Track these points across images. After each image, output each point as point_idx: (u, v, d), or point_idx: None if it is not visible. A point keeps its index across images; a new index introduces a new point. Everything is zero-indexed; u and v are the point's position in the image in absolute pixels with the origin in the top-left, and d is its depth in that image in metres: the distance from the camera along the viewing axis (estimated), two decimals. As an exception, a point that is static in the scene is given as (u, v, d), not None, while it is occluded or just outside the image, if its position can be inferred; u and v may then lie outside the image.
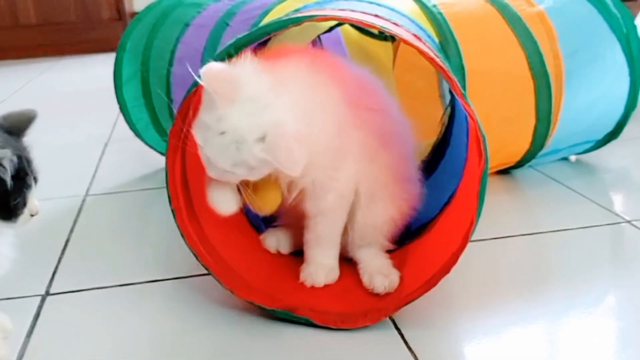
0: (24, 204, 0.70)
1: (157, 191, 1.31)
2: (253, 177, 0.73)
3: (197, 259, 0.82)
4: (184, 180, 0.82)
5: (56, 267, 0.98)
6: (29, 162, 0.71)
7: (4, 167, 0.67)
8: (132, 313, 0.85)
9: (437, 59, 0.70)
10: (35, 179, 0.72)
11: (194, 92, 0.75)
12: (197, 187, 0.83)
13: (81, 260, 1.01)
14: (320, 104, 0.74)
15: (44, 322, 0.84)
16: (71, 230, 1.12)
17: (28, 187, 0.70)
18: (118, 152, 1.60)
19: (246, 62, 0.70)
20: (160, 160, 1.45)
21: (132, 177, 1.40)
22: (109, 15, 3.42)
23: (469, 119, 0.71)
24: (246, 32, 0.73)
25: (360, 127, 0.80)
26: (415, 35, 0.75)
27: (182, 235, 0.81)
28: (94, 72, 2.91)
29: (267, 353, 0.75)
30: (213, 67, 0.68)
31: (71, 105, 2.24)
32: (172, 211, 0.81)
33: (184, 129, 0.74)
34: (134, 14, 3.75)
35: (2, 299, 0.83)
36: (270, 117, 0.68)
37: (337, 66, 0.82)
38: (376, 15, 0.74)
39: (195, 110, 0.72)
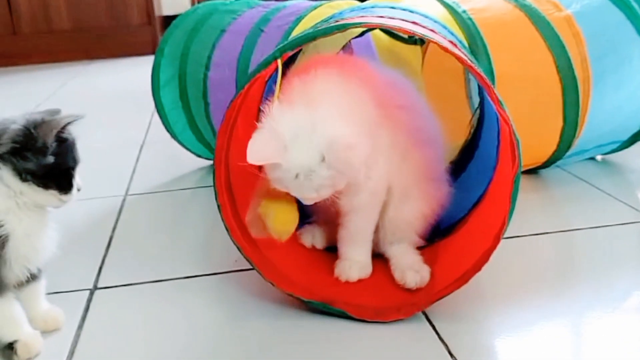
0: (74, 180, 0.78)
1: (192, 191, 1.36)
2: (339, 187, 0.78)
3: (240, 252, 0.86)
4: (228, 178, 0.86)
5: (102, 263, 1.03)
6: (75, 146, 0.78)
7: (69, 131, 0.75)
8: (177, 306, 0.90)
9: (475, 66, 0.73)
10: (79, 159, 0.79)
11: (240, 96, 0.79)
12: (239, 185, 0.87)
13: (125, 256, 1.06)
14: (351, 107, 0.78)
15: (94, 314, 0.88)
16: (114, 228, 1.17)
17: (77, 162, 0.78)
18: (154, 154, 1.65)
19: (273, 108, 0.76)
20: (194, 162, 1.50)
21: (168, 178, 1.45)
22: (139, 20, 3.49)
23: (503, 123, 0.74)
24: (293, 38, 0.77)
25: (391, 126, 0.83)
26: (452, 42, 0.78)
27: (227, 230, 0.85)
28: (125, 75, 2.97)
29: (306, 344, 0.79)
30: (252, 150, 0.73)
31: (104, 108, 2.30)
32: (218, 207, 0.85)
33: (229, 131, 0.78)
34: (163, 19, 3.84)
35: (53, 293, 0.87)
36: (318, 138, 0.73)
37: (365, 69, 0.85)
38: (414, 23, 0.78)
39: (245, 109, 0.76)
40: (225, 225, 0.86)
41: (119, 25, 3.48)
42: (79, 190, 0.79)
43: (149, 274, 0.99)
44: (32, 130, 0.73)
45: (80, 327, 0.85)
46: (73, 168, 0.77)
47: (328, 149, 0.73)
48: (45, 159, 0.73)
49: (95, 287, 0.96)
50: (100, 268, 1.02)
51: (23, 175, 0.73)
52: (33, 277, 0.80)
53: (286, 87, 0.78)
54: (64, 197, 0.76)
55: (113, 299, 0.93)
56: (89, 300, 0.92)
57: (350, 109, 0.77)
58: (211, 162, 1.50)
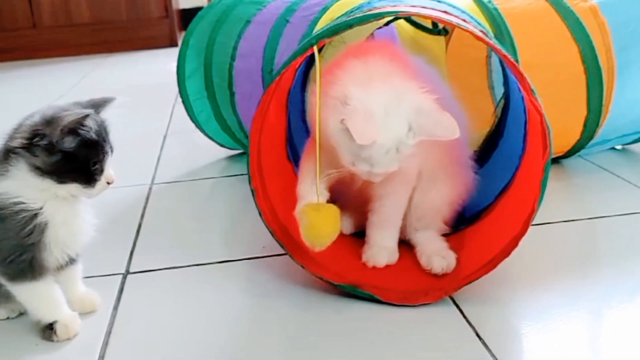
0: (101, 171, 0.78)
1: (216, 180, 1.38)
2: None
3: (272, 236, 0.88)
4: (260, 163, 0.88)
5: (133, 249, 1.06)
6: (106, 131, 0.79)
7: (87, 126, 0.74)
8: (207, 291, 0.92)
9: (509, 55, 0.74)
10: (111, 149, 0.79)
11: (275, 82, 0.81)
12: (270, 170, 0.89)
13: (154, 242, 1.09)
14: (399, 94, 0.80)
15: (127, 298, 0.91)
16: (142, 216, 1.20)
17: (105, 154, 0.78)
18: (177, 144, 1.67)
19: (351, 90, 0.76)
20: (218, 151, 1.52)
21: (192, 168, 1.47)
22: (157, 14, 3.52)
23: (534, 111, 0.75)
24: (330, 26, 0.78)
25: None
26: (482, 32, 0.79)
27: (259, 214, 0.87)
28: (143, 68, 3.00)
29: (335, 326, 0.81)
30: (360, 133, 0.73)
31: (125, 99, 2.31)
32: (252, 191, 0.87)
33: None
34: (180, 12, 3.86)
35: (88, 277, 0.90)
36: (405, 109, 0.75)
37: (404, 58, 0.87)
38: (445, 12, 0.79)
39: (277, 96, 0.78)
40: (257, 209, 0.87)
41: (138, 18, 3.51)
42: (109, 183, 0.79)
43: (177, 259, 1.01)
44: (40, 128, 0.74)
45: (115, 309, 0.88)
46: (95, 162, 0.77)
47: (416, 116, 0.75)
48: (52, 156, 0.74)
49: (128, 272, 0.98)
50: (132, 254, 1.04)
51: (36, 171, 0.74)
52: (71, 261, 0.83)
53: (327, 76, 0.79)
54: (87, 190, 0.77)
55: (145, 283, 0.95)
56: (122, 284, 0.94)
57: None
58: (234, 151, 1.52)
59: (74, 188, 0.76)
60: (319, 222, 0.81)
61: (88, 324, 0.83)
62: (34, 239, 0.75)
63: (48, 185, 0.75)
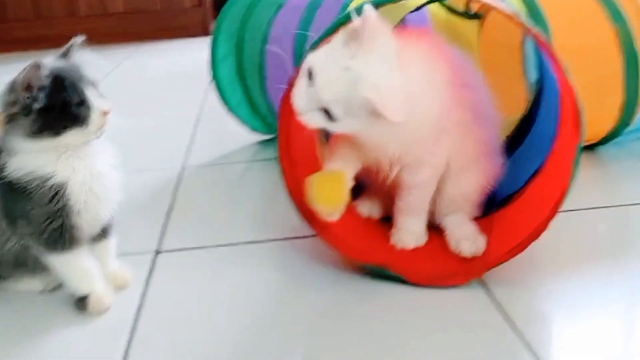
0: (89, 107, 0.77)
1: (247, 164, 1.40)
2: (338, 127, 0.76)
3: (300, 215, 0.88)
4: (289, 144, 0.89)
5: (164, 228, 1.08)
6: (76, 70, 0.78)
7: (42, 75, 0.73)
8: (236, 270, 0.93)
9: (542, 36, 0.74)
10: (91, 83, 0.78)
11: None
12: (299, 152, 0.90)
13: (185, 222, 1.10)
14: (432, 85, 0.79)
15: (158, 275, 0.92)
16: (174, 197, 1.21)
17: (81, 91, 0.76)
18: (209, 129, 1.69)
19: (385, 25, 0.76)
20: (248, 136, 1.53)
21: (223, 152, 1.49)
22: (190, 3, 3.55)
23: (566, 91, 0.74)
24: (356, 6, 0.78)
25: (457, 104, 0.84)
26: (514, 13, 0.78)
27: (289, 195, 0.88)
28: (176, 56, 3.03)
29: (363, 306, 0.81)
30: (373, 13, 0.72)
31: (158, 87, 2.36)
32: (281, 172, 0.87)
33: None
34: (213, 1, 3.88)
35: (120, 254, 0.91)
36: (392, 77, 0.74)
37: (441, 47, 0.86)
38: (476, -7, 0.78)
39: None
40: (287, 190, 0.88)
41: (171, 7, 3.54)
42: (106, 112, 0.77)
43: (208, 239, 1.02)
44: (7, 98, 0.75)
45: (146, 285, 0.89)
46: (78, 102, 0.76)
47: (387, 84, 0.73)
48: (32, 115, 0.74)
49: (159, 250, 1.00)
50: (163, 233, 1.06)
51: (30, 136, 0.75)
52: (104, 234, 0.85)
53: None
54: (85, 130, 0.76)
55: (175, 262, 0.97)
56: (153, 262, 0.96)
57: (431, 86, 0.79)
58: (265, 136, 1.53)
59: (73, 135, 0.76)
60: (325, 189, 0.81)
61: (120, 299, 0.85)
62: (59, 205, 0.77)
63: (49, 145, 0.76)
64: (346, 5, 1.11)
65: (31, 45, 3.45)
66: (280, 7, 1.26)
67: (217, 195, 1.26)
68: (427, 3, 1.06)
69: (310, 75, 0.75)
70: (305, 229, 0.91)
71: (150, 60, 2.99)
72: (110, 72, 2.69)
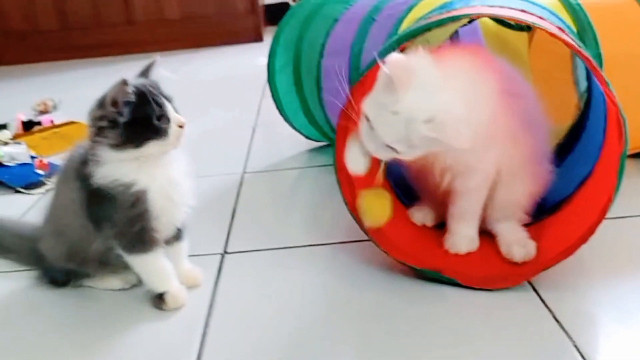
0: (168, 120, 0.85)
1: (303, 170, 1.46)
2: (408, 156, 0.83)
3: (357, 224, 0.94)
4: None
5: (229, 231, 1.15)
6: (157, 86, 0.86)
7: (128, 92, 0.81)
8: (295, 272, 0.99)
9: (583, 50, 0.78)
10: (168, 99, 0.86)
11: (360, 82, 0.87)
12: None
13: (248, 226, 1.17)
14: (480, 94, 0.84)
15: (226, 275, 1.00)
16: (236, 201, 1.29)
17: (162, 104, 0.84)
18: (266, 135, 1.77)
19: (419, 54, 0.81)
20: (304, 143, 1.60)
21: (281, 158, 1.56)
22: (243, 9, 3.64)
23: (610, 103, 0.78)
24: (408, 30, 0.83)
25: (506, 113, 0.89)
26: (559, 28, 0.82)
27: (345, 203, 0.94)
28: (231, 62, 3.13)
29: (417, 309, 0.86)
30: (396, 57, 0.78)
31: (215, 93, 2.45)
32: (338, 182, 0.94)
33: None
34: (265, 7, 3.97)
35: (190, 255, 0.99)
36: (440, 102, 0.79)
37: (488, 58, 0.91)
38: (523, 11, 0.83)
39: (363, 94, 0.84)
40: (343, 199, 0.94)
41: (225, 13, 3.64)
42: (181, 126, 0.85)
43: (271, 242, 1.09)
44: (96, 113, 0.83)
45: (215, 285, 0.97)
46: (158, 116, 0.83)
47: (442, 114, 0.78)
48: (118, 129, 0.82)
49: (225, 252, 1.07)
50: (228, 235, 1.13)
51: (115, 147, 0.83)
52: (178, 237, 0.93)
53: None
54: (164, 141, 0.84)
55: (240, 263, 1.04)
56: (221, 263, 1.03)
57: (479, 95, 0.84)
58: (320, 143, 1.59)
59: (153, 146, 0.84)
60: (373, 204, 0.91)
61: (192, 297, 0.92)
62: (139, 209, 0.85)
63: (132, 155, 0.84)
64: (401, 20, 1.15)
65: (91, 52, 3.61)
66: (336, 20, 1.32)
67: (275, 200, 1.33)
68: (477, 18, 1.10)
69: (367, 120, 0.82)
70: (358, 233, 0.96)
71: (206, 66, 3.09)
72: (168, 79, 2.79)
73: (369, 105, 0.82)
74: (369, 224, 0.92)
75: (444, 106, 0.79)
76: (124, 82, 0.81)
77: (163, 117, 0.84)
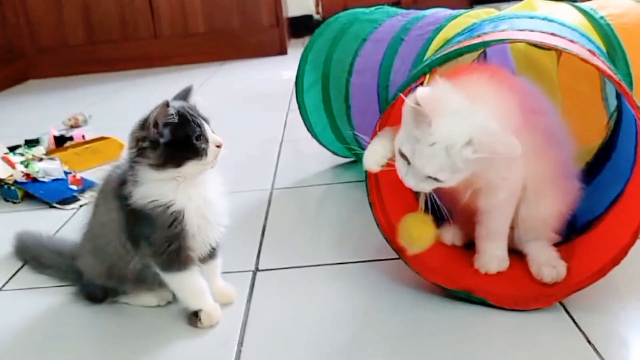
0: (206, 140, 0.87)
1: (330, 186, 1.48)
2: (450, 183, 0.84)
3: (389, 244, 0.96)
4: (377, 177, 0.96)
5: (259, 248, 1.17)
6: (194, 109, 0.88)
7: (170, 113, 0.84)
8: (325, 289, 1.01)
9: (614, 75, 0.78)
10: (205, 120, 0.88)
11: (393, 104, 0.88)
12: (386, 184, 0.97)
13: (278, 243, 1.19)
14: (502, 112, 0.85)
15: (258, 293, 1.01)
16: (266, 218, 1.31)
17: (200, 125, 0.87)
18: (293, 150, 1.79)
19: (440, 83, 0.83)
20: (331, 159, 1.62)
21: (307, 174, 1.58)
22: (267, 22, 3.69)
23: (640, 126, 0.79)
24: (440, 54, 0.85)
25: (528, 129, 0.89)
26: (590, 51, 0.83)
27: (377, 224, 0.96)
28: (256, 76, 3.16)
29: (448, 329, 0.87)
30: (421, 91, 0.79)
31: (241, 107, 2.48)
32: (370, 204, 0.95)
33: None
34: (289, 20, 4.02)
35: (223, 272, 1.00)
36: (474, 122, 0.80)
37: (507, 77, 0.92)
38: (553, 34, 0.84)
39: (391, 121, 0.86)
40: (375, 220, 0.96)
41: (250, 27, 3.69)
42: (218, 146, 0.88)
43: (302, 259, 1.11)
44: (138, 133, 0.86)
45: (248, 302, 0.99)
46: (195, 136, 0.86)
47: (480, 133, 0.79)
48: (159, 149, 0.85)
49: (257, 269, 1.09)
50: (259, 253, 1.15)
51: (156, 167, 0.85)
52: (212, 255, 0.95)
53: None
54: (203, 161, 0.87)
55: (272, 280, 1.06)
56: (253, 280, 1.05)
57: (501, 113, 0.84)
58: (345, 159, 1.61)
59: (192, 166, 0.86)
60: (415, 230, 0.91)
61: (226, 314, 0.94)
62: (176, 229, 0.87)
63: (171, 175, 0.86)
64: (430, 40, 1.17)
65: (118, 65, 3.69)
66: (364, 40, 1.34)
67: (304, 216, 1.35)
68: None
69: (403, 156, 0.83)
70: (387, 251, 0.97)
71: (232, 80, 3.13)
72: (196, 90, 2.83)
73: (402, 142, 0.83)
74: (411, 250, 0.92)
75: (480, 124, 0.80)
76: (166, 104, 0.83)
77: (202, 137, 0.87)
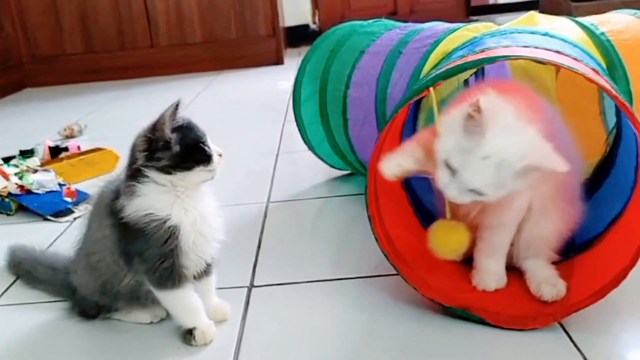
0: (209, 148, 0.87)
1: (327, 199, 1.47)
2: (493, 198, 0.83)
3: (387, 259, 0.95)
4: (376, 192, 0.95)
5: (255, 263, 1.16)
6: (191, 124, 0.88)
7: (179, 116, 0.85)
8: (322, 306, 1.00)
9: (619, 96, 0.78)
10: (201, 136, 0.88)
11: (393, 119, 0.88)
12: (385, 198, 0.96)
13: (274, 258, 1.18)
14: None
15: (253, 309, 1.00)
16: (261, 232, 1.30)
17: (204, 134, 0.87)
18: (289, 163, 1.78)
19: (491, 95, 0.81)
20: (328, 172, 1.61)
21: (304, 187, 1.57)
22: (264, 32, 3.68)
23: (643, 145, 0.78)
24: (442, 69, 0.84)
25: None
26: (594, 70, 0.83)
27: (375, 239, 0.94)
28: (252, 85, 3.16)
29: (443, 346, 0.86)
30: (485, 100, 0.78)
31: (237, 117, 2.46)
32: (369, 217, 0.94)
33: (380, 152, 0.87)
34: (285, 30, 4.02)
35: (218, 288, 0.99)
36: (526, 138, 0.79)
37: (537, 99, 0.91)
38: (558, 52, 0.83)
39: (392, 132, 0.85)
40: (374, 235, 0.94)
41: (247, 37, 3.69)
42: (220, 155, 0.88)
43: (298, 275, 1.09)
44: (150, 135, 0.85)
45: (243, 318, 0.97)
46: (202, 141, 0.87)
47: (531, 149, 0.79)
48: (172, 150, 0.84)
49: (252, 285, 1.08)
50: (254, 268, 1.14)
51: (166, 170, 0.85)
52: (207, 272, 0.93)
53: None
54: (209, 167, 0.87)
55: (267, 296, 1.04)
56: (248, 296, 1.04)
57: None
58: (342, 172, 1.60)
59: (198, 172, 0.86)
60: (448, 238, 0.91)
61: (221, 331, 0.93)
62: (171, 245, 0.85)
63: (176, 182, 0.85)
64: (427, 54, 1.16)
65: (115, 74, 3.68)
66: (362, 53, 1.33)
67: (300, 231, 1.34)
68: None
69: (448, 166, 0.82)
70: (385, 267, 0.96)
71: (228, 89, 3.12)
72: (191, 101, 2.83)
73: (450, 152, 0.81)
74: (442, 256, 0.92)
75: (534, 141, 0.79)
76: (176, 106, 0.84)
77: (206, 144, 0.87)
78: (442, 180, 0.83)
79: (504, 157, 0.78)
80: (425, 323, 0.92)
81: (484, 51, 0.85)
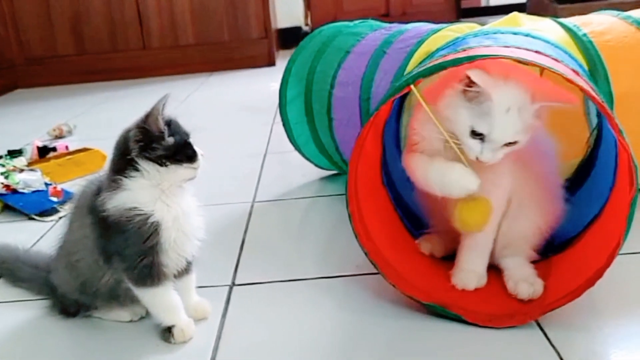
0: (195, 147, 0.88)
1: (312, 199, 1.47)
2: (524, 142, 0.86)
3: (366, 256, 0.94)
4: (357, 188, 0.95)
5: (237, 262, 1.16)
6: (177, 122, 0.88)
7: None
8: (305, 304, 1.00)
9: (598, 97, 0.78)
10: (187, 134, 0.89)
11: (374, 116, 0.88)
12: (364, 194, 0.96)
13: (257, 257, 1.18)
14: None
15: (234, 308, 1.00)
16: (245, 232, 1.30)
17: (189, 134, 0.88)
18: (276, 163, 1.78)
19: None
20: (314, 172, 1.61)
21: (291, 187, 1.57)
22: (257, 34, 3.69)
23: (622, 149, 0.79)
24: (424, 67, 0.85)
25: None
26: (574, 72, 0.83)
27: (355, 236, 0.94)
28: (244, 87, 3.16)
29: (423, 344, 0.87)
30: (475, 71, 0.82)
31: (227, 118, 2.47)
32: (349, 214, 0.94)
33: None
34: (278, 32, 4.02)
35: (198, 287, 0.99)
36: (521, 84, 0.84)
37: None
38: (537, 52, 0.84)
39: (374, 130, 0.85)
40: (354, 231, 0.95)
41: (239, 39, 3.69)
42: (202, 155, 0.89)
43: (280, 273, 1.10)
44: (144, 125, 0.85)
45: (223, 317, 0.97)
46: (189, 139, 0.88)
47: (533, 91, 0.84)
48: (166, 141, 0.85)
49: (234, 284, 1.08)
50: (236, 267, 1.14)
51: (160, 161, 0.85)
52: (187, 270, 0.93)
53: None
54: (195, 164, 0.88)
55: (249, 295, 1.04)
56: (229, 295, 1.04)
57: None
58: (330, 172, 1.60)
59: (185, 169, 0.86)
60: (473, 213, 0.91)
61: (200, 330, 0.93)
62: (151, 242, 0.85)
63: (164, 177, 0.85)
64: (411, 53, 1.17)
65: (106, 76, 3.67)
66: (347, 52, 1.34)
67: (285, 230, 1.34)
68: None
69: (477, 135, 0.85)
70: (369, 266, 0.96)
71: (219, 90, 3.12)
72: (182, 101, 2.83)
73: (473, 122, 0.85)
74: (468, 230, 0.93)
75: (535, 81, 0.85)
76: (165, 100, 0.85)
77: (192, 144, 0.88)
78: (474, 149, 0.86)
79: (520, 103, 0.83)
80: (406, 321, 0.92)
81: (465, 50, 0.86)
